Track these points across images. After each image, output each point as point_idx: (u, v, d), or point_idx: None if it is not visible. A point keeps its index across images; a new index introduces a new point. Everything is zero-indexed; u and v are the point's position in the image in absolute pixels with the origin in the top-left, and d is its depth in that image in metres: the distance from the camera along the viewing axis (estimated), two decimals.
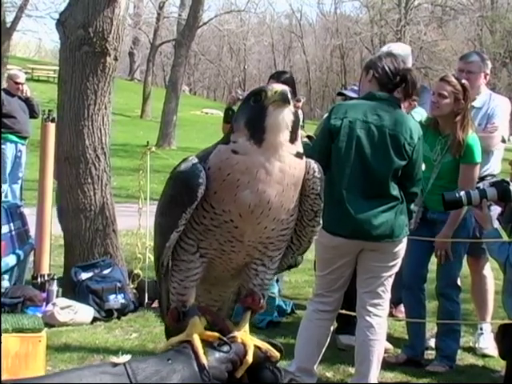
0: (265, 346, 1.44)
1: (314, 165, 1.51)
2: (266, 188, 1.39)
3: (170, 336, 1.49)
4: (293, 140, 1.41)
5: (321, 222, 1.58)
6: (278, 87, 1.42)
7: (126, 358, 1.29)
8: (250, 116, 1.41)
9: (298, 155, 1.42)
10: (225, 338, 1.40)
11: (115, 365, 1.27)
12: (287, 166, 1.40)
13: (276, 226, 1.45)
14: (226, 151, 1.41)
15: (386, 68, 4.54)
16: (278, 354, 1.44)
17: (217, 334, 1.41)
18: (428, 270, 5.58)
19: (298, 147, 1.43)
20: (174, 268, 1.49)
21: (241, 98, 7.64)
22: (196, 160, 1.44)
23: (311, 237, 1.59)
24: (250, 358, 1.39)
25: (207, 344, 1.38)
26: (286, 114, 1.40)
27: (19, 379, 1.19)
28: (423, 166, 4.84)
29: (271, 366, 1.43)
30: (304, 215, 1.54)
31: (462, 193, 4.83)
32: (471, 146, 5.22)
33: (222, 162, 1.41)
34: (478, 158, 5.26)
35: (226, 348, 1.38)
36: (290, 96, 1.41)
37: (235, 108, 7.55)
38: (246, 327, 1.48)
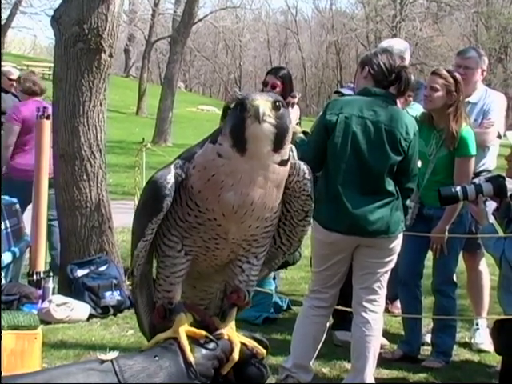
0: (251, 343, 1.44)
1: (304, 166, 1.51)
2: (249, 191, 1.39)
3: (150, 339, 1.49)
4: (277, 149, 1.39)
5: (311, 221, 1.58)
6: (257, 101, 1.39)
7: (113, 354, 1.29)
8: (234, 125, 1.39)
9: (282, 163, 1.41)
10: (211, 336, 1.40)
11: (102, 361, 1.27)
12: (270, 173, 1.40)
13: (260, 224, 1.45)
14: (212, 152, 1.40)
15: (382, 65, 4.54)
16: (263, 351, 1.45)
17: (203, 332, 1.41)
18: (424, 266, 5.58)
19: (283, 155, 1.41)
20: (160, 265, 1.50)
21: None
22: (174, 166, 1.44)
23: (301, 236, 1.60)
24: (236, 355, 1.39)
25: (194, 341, 1.39)
26: (265, 128, 1.37)
27: (6, 376, 1.19)
28: (419, 163, 4.84)
29: (257, 362, 1.43)
30: (294, 216, 1.55)
31: (458, 188, 4.84)
32: (465, 139, 5.22)
33: (207, 162, 1.41)
34: (473, 150, 5.26)
35: (212, 345, 1.38)
36: (265, 112, 1.37)
37: None
38: (233, 324, 1.48)
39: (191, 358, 1.34)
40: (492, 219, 5.08)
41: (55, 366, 1.28)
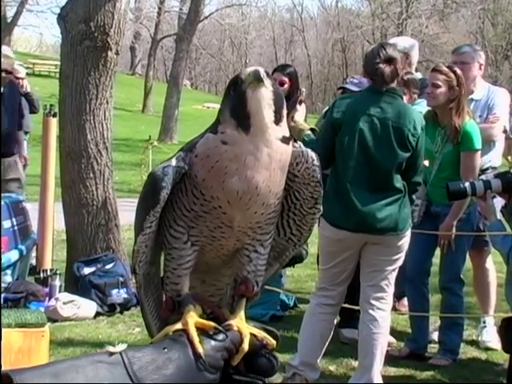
0: (261, 333, 1.44)
1: (312, 153, 1.52)
2: (254, 174, 1.39)
3: (152, 336, 1.50)
4: (278, 121, 1.41)
5: (321, 208, 1.58)
6: (251, 69, 1.42)
7: (122, 346, 1.28)
8: (233, 105, 1.41)
9: (285, 140, 1.43)
10: (220, 327, 1.40)
11: (111, 354, 1.26)
12: (274, 151, 1.40)
13: (264, 211, 1.45)
14: (214, 140, 1.41)
15: (370, 53, 4.56)
16: (274, 342, 1.44)
17: (212, 323, 1.41)
18: (432, 264, 5.57)
19: (284, 130, 1.43)
20: (167, 257, 1.50)
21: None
22: (173, 161, 1.45)
23: (311, 225, 1.59)
24: (245, 346, 1.39)
25: (202, 332, 1.38)
26: (265, 93, 1.40)
27: (14, 370, 1.19)
28: (426, 162, 4.83)
29: (267, 353, 1.43)
30: (303, 204, 1.55)
31: (467, 183, 4.82)
32: (469, 133, 5.21)
33: (209, 149, 1.41)
34: (478, 144, 5.25)
35: (221, 336, 1.38)
36: (263, 74, 1.40)
37: None
38: (242, 315, 1.48)
39: (200, 350, 1.33)
40: (500, 216, 5.07)
41: (63, 359, 1.28)
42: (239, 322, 1.44)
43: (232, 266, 1.55)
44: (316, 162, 1.52)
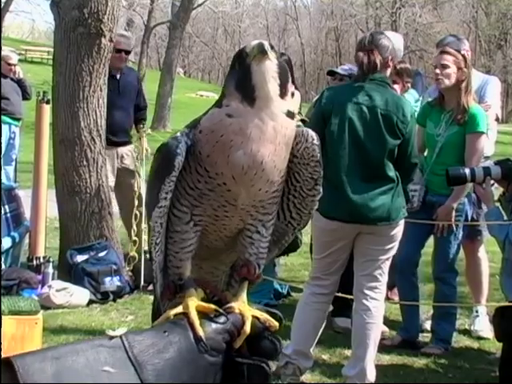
0: (263, 315, 1.44)
1: (312, 132, 1.51)
2: (259, 148, 1.39)
3: (155, 318, 1.49)
4: (283, 95, 1.41)
5: (321, 190, 1.57)
6: (255, 42, 1.43)
7: (122, 330, 1.28)
8: (238, 78, 1.41)
9: (290, 114, 1.43)
10: (221, 310, 1.40)
11: (111, 338, 1.26)
12: (279, 125, 1.40)
13: (268, 188, 1.45)
14: (219, 114, 1.41)
15: (358, 42, 4.60)
16: (276, 324, 1.44)
17: (213, 306, 1.41)
18: (421, 255, 5.57)
19: (290, 105, 1.43)
20: (169, 240, 1.49)
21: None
22: (180, 134, 1.45)
23: (311, 208, 1.59)
24: (247, 329, 1.39)
25: (204, 316, 1.38)
26: (269, 66, 1.40)
27: (15, 355, 1.19)
28: (425, 152, 4.80)
29: (270, 335, 1.42)
30: (303, 185, 1.55)
31: (467, 169, 4.84)
32: (475, 115, 5.24)
33: (214, 124, 1.41)
34: (483, 127, 5.27)
35: (222, 319, 1.38)
36: (267, 47, 1.41)
37: None
38: (244, 297, 1.48)
39: (201, 333, 1.33)
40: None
41: (64, 344, 1.28)
42: (241, 305, 1.44)
43: (232, 253, 1.55)
44: (316, 142, 1.51)
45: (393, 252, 4.61)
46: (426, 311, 5.91)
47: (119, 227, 7.41)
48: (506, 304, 4.75)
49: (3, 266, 6.28)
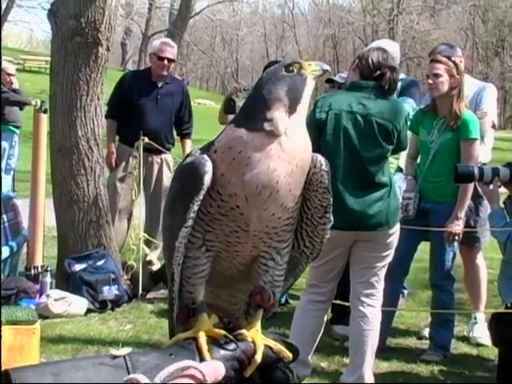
0: (277, 345, 1.40)
1: (321, 158, 1.48)
2: (276, 166, 1.35)
3: (172, 335, 1.47)
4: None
5: (331, 218, 1.54)
6: (311, 61, 1.48)
7: (127, 350, 1.26)
8: (290, 87, 1.42)
9: (305, 134, 1.43)
10: (231, 336, 1.36)
11: (115, 357, 1.23)
12: (299, 145, 1.39)
13: (282, 215, 1.41)
14: (240, 131, 1.38)
15: (370, 60, 4.55)
16: (290, 355, 1.40)
17: (223, 332, 1.38)
18: (412, 261, 5.55)
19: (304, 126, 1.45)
20: (182, 266, 1.45)
21: (246, 88, 7.56)
22: (199, 151, 1.42)
23: (323, 236, 1.56)
24: (258, 358, 1.35)
25: (213, 341, 1.35)
26: (312, 85, 1.46)
27: (14, 368, 1.17)
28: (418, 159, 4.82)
29: (283, 366, 1.39)
30: (314, 213, 1.51)
31: (476, 167, 4.82)
32: (467, 122, 5.25)
33: (233, 140, 1.37)
34: (476, 133, 5.28)
35: (232, 346, 1.34)
36: (327, 68, 1.47)
37: (237, 99, 7.49)
38: (258, 326, 1.44)
39: (208, 358, 1.30)
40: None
41: (65, 359, 1.27)
42: (254, 333, 1.40)
43: (249, 281, 1.51)
44: (324, 168, 1.47)
45: (389, 259, 4.61)
46: (424, 318, 5.91)
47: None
48: (503, 311, 4.75)
49: (1, 276, 6.28)
